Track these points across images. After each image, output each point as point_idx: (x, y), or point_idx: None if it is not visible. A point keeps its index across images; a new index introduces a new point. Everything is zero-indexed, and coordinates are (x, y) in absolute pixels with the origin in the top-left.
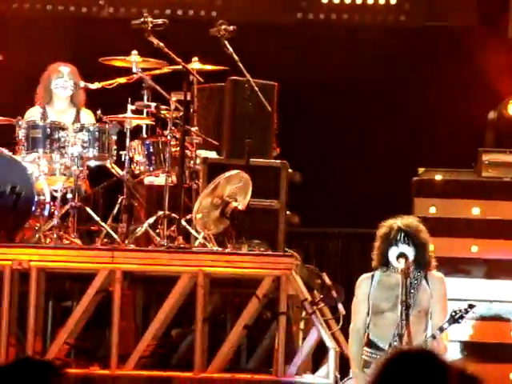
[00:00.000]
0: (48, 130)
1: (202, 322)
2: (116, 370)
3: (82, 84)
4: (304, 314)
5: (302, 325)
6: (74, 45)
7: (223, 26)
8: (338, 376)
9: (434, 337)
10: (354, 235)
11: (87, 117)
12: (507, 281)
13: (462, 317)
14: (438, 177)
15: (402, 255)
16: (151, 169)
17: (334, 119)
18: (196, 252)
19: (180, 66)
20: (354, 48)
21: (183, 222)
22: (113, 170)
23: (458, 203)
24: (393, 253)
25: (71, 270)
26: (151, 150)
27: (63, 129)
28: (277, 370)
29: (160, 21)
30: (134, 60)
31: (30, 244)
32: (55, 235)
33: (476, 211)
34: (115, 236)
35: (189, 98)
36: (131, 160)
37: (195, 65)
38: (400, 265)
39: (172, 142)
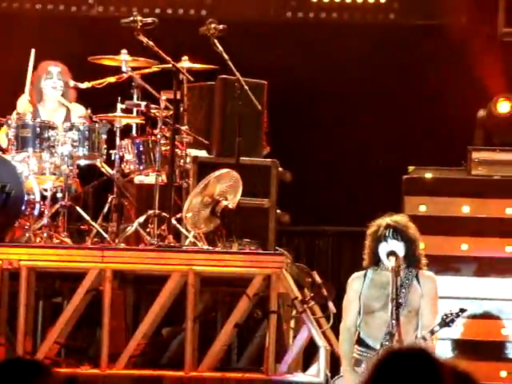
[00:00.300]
0: (38, 129)
1: (193, 320)
2: (106, 369)
3: (72, 83)
4: (294, 312)
5: (292, 323)
6: (63, 44)
7: (213, 25)
8: (329, 374)
9: (424, 339)
10: (345, 234)
11: (78, 108)
12: (497, 279)
13: (452, 320)
14: (428, 175)
15: (392, 253)
16: (141, 168)
17: (324, 118)
18: (186, 251)
19: (170, 65)
20: (344, 47)
21: (173, 221)
22: (103, 169)
23: (448, 201)
24: (383, 249)
25: (61, 270)
26: (141, 148)
27: (53, 128)
28: (267, 368)
29: (150, 19)
30: (124, 59)
31: (20, 243)
32: (45, 234)
33: (466, 209)
34: (105, 235)
35: (179, 96)
36: (121, 159)
37: (185, 63)
38: (391, 263)
39: (162, 141)
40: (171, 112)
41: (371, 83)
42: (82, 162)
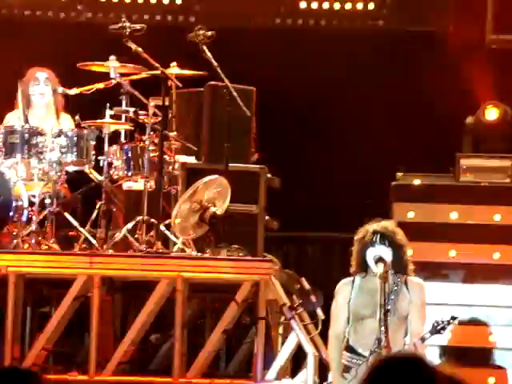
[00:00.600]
0: (26, 135)
1: (181, 327)
2: (95, 375)
3: (61, 90)
4: (283, 318)
5: (280, 330)
6: (51, 50)
7: (201, 32)
8: (317, 381)
9: (415, 346)
10: (333, 240)
11: (67, 122)
12: (485, 285)
13: (444, 328)
14: (417, 181)
15: (380, 259)
16: (130, 174)
17: (313, 124)
18: (175, 257)
19: (158, 71)
20: (332, 53)
21: (162, 227)
22: (91, 176)
23: (436, 208)
24: (370, 254)
25: (49, 276)
26: (130, 155)
27: (41, 134)
28: (256, 375)
29: (138, 26)
30: (112, 65)
31: (7, 250)
32: (33, 241)
33: (454, 216)
34: (94, 241)
35: (167, 103)
36: (110, 165)
37: (174, 70)
38: (378, 269)
39: (151, 147)
40: (160, 118)
41: (360, 90)
42: (71, 169)
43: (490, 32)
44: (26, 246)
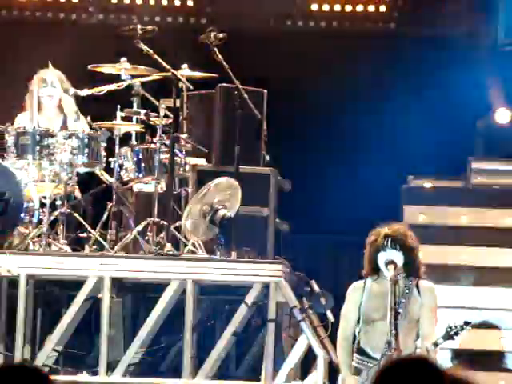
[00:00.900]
0: (37, 136)
1: (191, 329)
2: (105, 377)
3: (72, 91)
4: (293, 321)
5: (291, 332)
6: (62, 51)
7: (213, 33)
8: (327, 383)
9: (427, 350)
10: (344, 243)
11: (76, 122)
12: (496, 288)
13: (456, 333)
14: (428, 184)
15: (390, 262)
16: (140, 176)
17: (324, 127)
18: (185, 259)
19: (169, 73)
20: (344, 55)
21: (172, 229)
22: (102, 177)
23: (447, 211)
24: (381, 258)
25: (60, 277)
26: (140, 156)
27: (52, 135)
28: (266, 377)
29: (149, 28)
30: (124, 67)
31: (18, 251)
32: (44, 242)
33: (465, 219)
34: (104, 243)
35: (178, 105)
36: (120, 167)
37: (185, 72)
38: (389, 272)
39: (161, 149)
40: (170, 120)
41: (372, 92)
42: (82, 170)
43: (502, 35)
44: (37, 247)
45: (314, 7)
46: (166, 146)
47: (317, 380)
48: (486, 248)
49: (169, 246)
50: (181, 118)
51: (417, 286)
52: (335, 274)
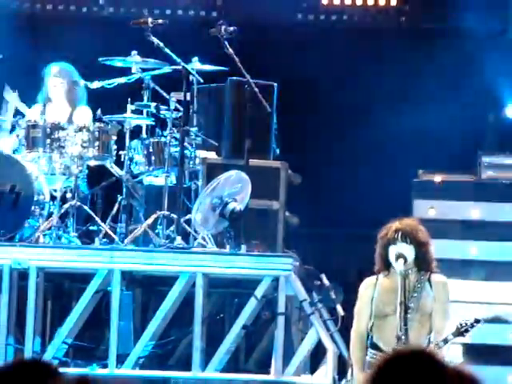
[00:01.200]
0: (48, 129)
1: (201, 322)
2: (114, 369)
3: (82, 83)
4: (303, 314)
5: (300, 325)
6: (73, 44)
7: (223, 27)
8: (336, 377)
9: (438, 346)
10: (354, 236)
11: (83, 115)
12: (506, 283)
13: (467, 330)
14: (438, 178)
15: (400, 256)
16: (151, 169)
17: (335, 120)
18: (195, 252)
19: (180, 66)
20: (354, 49)
21: (182, 223)
22: (112, 170)
23: (458, 205)
24: (392, 252)
25: (70, 270)
26: (151, 150)
27: (63, 128)
28: (275, 370)
29: (160, 21)
30: (134, 60)
31: (29, 243)
32: (54, 235)
33: (475, 213)
34: (114, 236)
35: (188, 98)
36: (131, 160)
37: (195, 65)
38: (398, 266)
39: (172, 143)
40: (181, 113)
41: (382, 85)
42: (92, 163)
43: None
44: (47, 240)
45: (325, 1)
46: (176, 139)
47: (326, 374)
48: (497, 242)
49: (179, 240)
50: (191, 111)
51: (429, 280)
52: (345, 268)
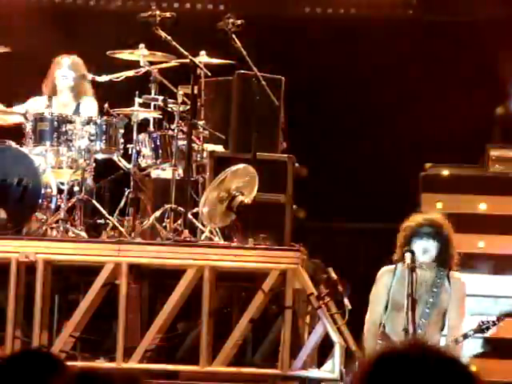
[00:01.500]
0: (55, 122)
1: (208, 315)
2: (122, 363)
3: (90, 76)
4: (310, 308)
5: (307, 319)
6: (81, 37)
7: (231, 20)
8: (344, 370)
9: (456, 341)
10: (361, 230)
11: (89, 105)
12: None
13: (488, 328)
14: (445, 172)
15: (409, 250)
16: (158, 162)
17: (341, 113)
18: (202, 246)
19: (187, 60)
20: (362, 42)
21: (190, 216)
22: (120, 163)
23: (465, 199)
24: (417, 247)
25: (77, 263)
26: (158, 143)
27: (70, 121)
28: (282, 364)
29: (168, 14)
30: (142, 53)
31: (36, 236)
32: (62, 228)
33: (483, 207)
34: (122, 229)
35: (196, 91)
36: (138, 153)
37: (203, 58)
38: (406, 259)
39: (179, 136)
40: (188, 107)
41: (390, 79)
42: (99, 156)
43: None
44: (55, 233)
45: None
46: (183, 132)
47: (333, 367)
48: (504, 236)
49: (186, 233)
50: (198, 104)
51: (447, 277)
52: (352, 262)
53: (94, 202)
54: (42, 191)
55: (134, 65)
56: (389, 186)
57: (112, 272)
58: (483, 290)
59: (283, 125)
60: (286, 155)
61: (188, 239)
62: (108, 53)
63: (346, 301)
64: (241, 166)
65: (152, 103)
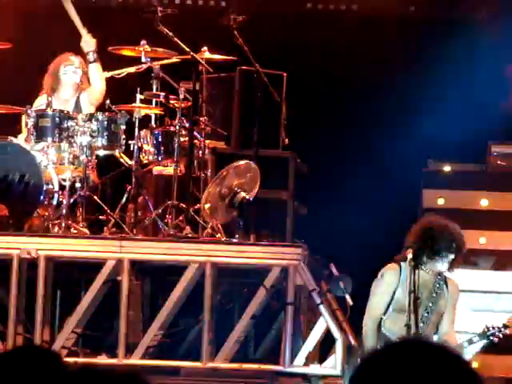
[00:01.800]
0: (57, 118)
1: (210, 311)
2: (123, 359)
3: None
4: (312, 304)
5: (309, 315)
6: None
7: (233, 16)
8: (345, 367)
9: (461, 347)
10: (363, 226)
11: (86, 97)
12: None
13: (493, 334)
14: (447, 168)
15: (408, 247)
16: (160, 158)
17: (343, 109)
18: (204, 242)
19: (189, 56)
20: (364, 39)
21: (191, 212)
22: (121, 160)
23: (467, 195)
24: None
25: (79, 259)
26: (160, 139)
27: (72, 118)
28: (284, 360)
29: (169, 10)
30: (144, 49)
31: (38, 233)
32: (63, 224)
33: (484, 203)
34: (123, 225)
35: (198, 87)
36: (140, 150)
37: (204, 54)
38: (408, 257)
39: (181, 132)
40: (190, 103)
41: (392, 75)
42: (101, 153)
43: None
44: (56, 229)
45: None
46: (185, 128)
47: (335, 363)
48: (505, 232)
49: (188, 229)
50: (200, 100)
51: (445, 282)
52: (353, 258)
53: (95, 198)
54: (44, 188)
55: (136, 61)
56: (391, 181)
57: (114, 268)
58: (484, 285)
59: (285, 121)
60: (287, 152)
61: (190, 235)
62: (110, 49)
63: (347, 297)
64: (243, 162)
65: (154, 99)
